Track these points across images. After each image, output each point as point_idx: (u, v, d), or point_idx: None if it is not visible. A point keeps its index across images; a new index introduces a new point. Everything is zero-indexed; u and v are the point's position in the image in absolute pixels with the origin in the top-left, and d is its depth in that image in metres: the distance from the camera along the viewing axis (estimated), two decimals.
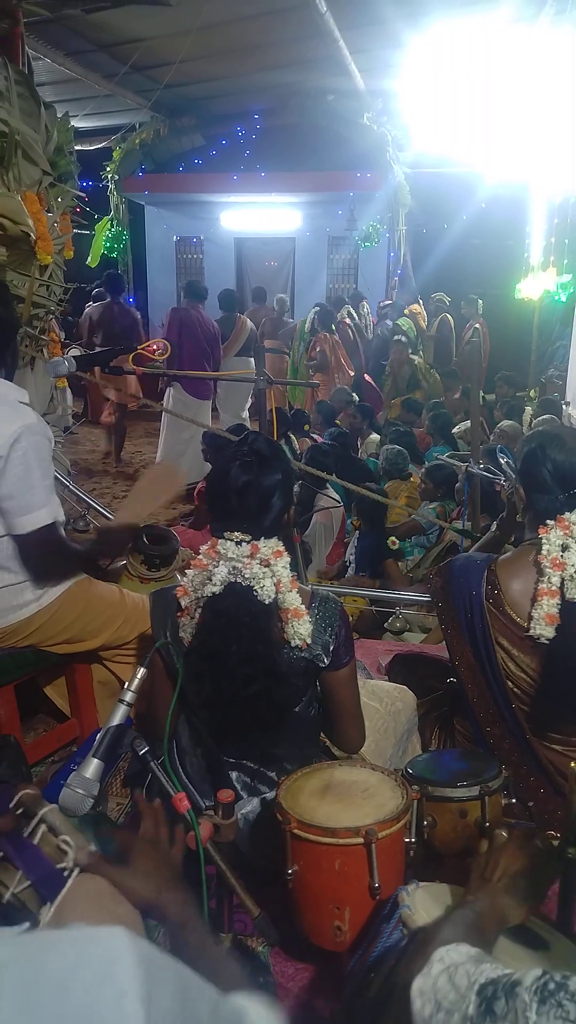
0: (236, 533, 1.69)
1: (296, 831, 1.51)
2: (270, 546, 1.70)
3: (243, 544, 1.68)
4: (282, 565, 1.70)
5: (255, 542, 1.68)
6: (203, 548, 1.74)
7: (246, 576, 1.67)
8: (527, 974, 0.86)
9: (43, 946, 0.65)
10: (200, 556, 1.73)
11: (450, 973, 0.95)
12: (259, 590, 1.67)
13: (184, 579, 1.75)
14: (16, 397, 2.18)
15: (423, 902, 1.38)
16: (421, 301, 10.85)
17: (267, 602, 1.68)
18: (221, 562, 1.69)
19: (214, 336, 7.03)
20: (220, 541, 1.70)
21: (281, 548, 1.72)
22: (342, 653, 1.79)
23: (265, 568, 1.68)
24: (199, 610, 1.73)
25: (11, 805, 1.14)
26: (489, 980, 0.90)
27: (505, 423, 6.47)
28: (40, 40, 6.77)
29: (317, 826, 1.50)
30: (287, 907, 1.59)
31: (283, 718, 1.71)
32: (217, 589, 1.67)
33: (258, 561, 1.68)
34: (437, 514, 4.78)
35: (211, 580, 1.68)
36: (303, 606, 1.73)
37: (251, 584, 1.67)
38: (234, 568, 1.68)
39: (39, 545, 2.14)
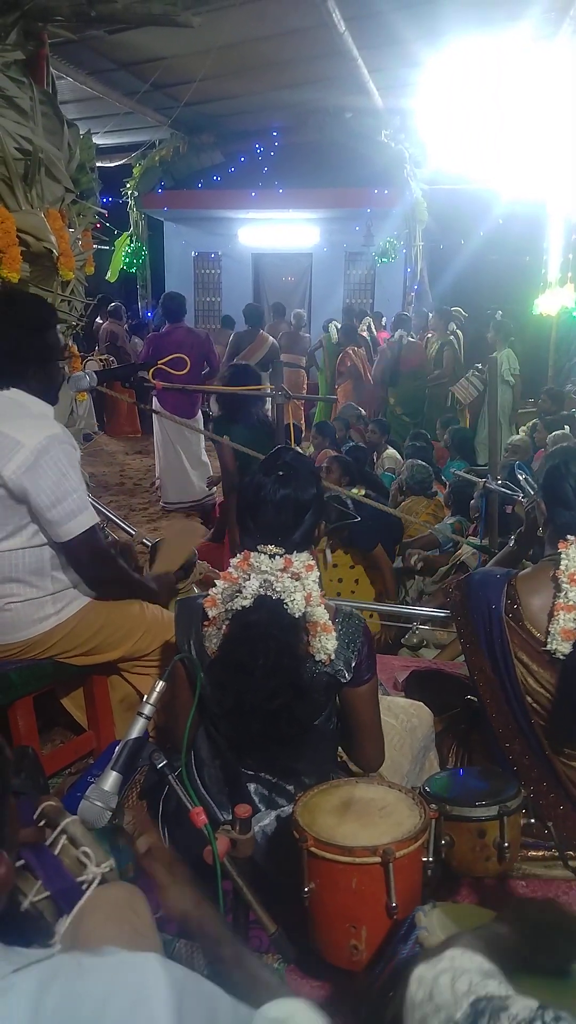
0: (270, 546, 1.69)
1: (313, 849, 1.51)
2: (302, 560, 1.70)
3: (276, 557, 1.68)
4: (312, 579, 1.71)
5: (288, 556, 1.69)
6: (234, 561, 1.74)
7: (277, 589, 1.67)
8: (518, 1002, 0.85)
9: (80, 971, 0.66)
10: (230, 569, 1.74)
11: (454, 975, 0.94)
12: (289, 603, 1.67)
13: (213, 590, 1.76)
14: (41, 410, 2.23)
15: (441, 923, 1.37)
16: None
17: (297, 616, 1.68)
18: (253, 575, 1.69)
19: (201, 352, 6.45)
20: (253, 554, 1.70)
21: (312, 562, 1.73)
22: (364, 670, 1.79)
23: (296, 582, 1.69)
24: (226, 622, 1.73)
25: (35, 816, 1.14)
26: (486, 995, 0.89)
27: (516, 438, 6.45)
28: (63, 60, 6.90)
29: (334, 844, 1.49)
30: (303, 924, 1.58)
31: (304, 732, 1.71)
32: (247, 602, 1.67)
33: (289, 575, 1.68)
34: (453, 529, 4.76)
35: (241, 593, 1.68)
36: (330, 621, 1.73)
37: (282, 597, 1.67)
38: (265, 581, 1.68)
39: (85, 549, 2.18)
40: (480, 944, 1.10)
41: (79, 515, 2.14)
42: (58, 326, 2.36)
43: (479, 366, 7.73)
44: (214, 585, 1.78)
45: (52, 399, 2.32)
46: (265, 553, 1.69)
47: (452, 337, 8.80)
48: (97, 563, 2.26)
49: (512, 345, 7.90)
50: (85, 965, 0.68)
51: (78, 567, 2.24)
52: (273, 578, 1.68)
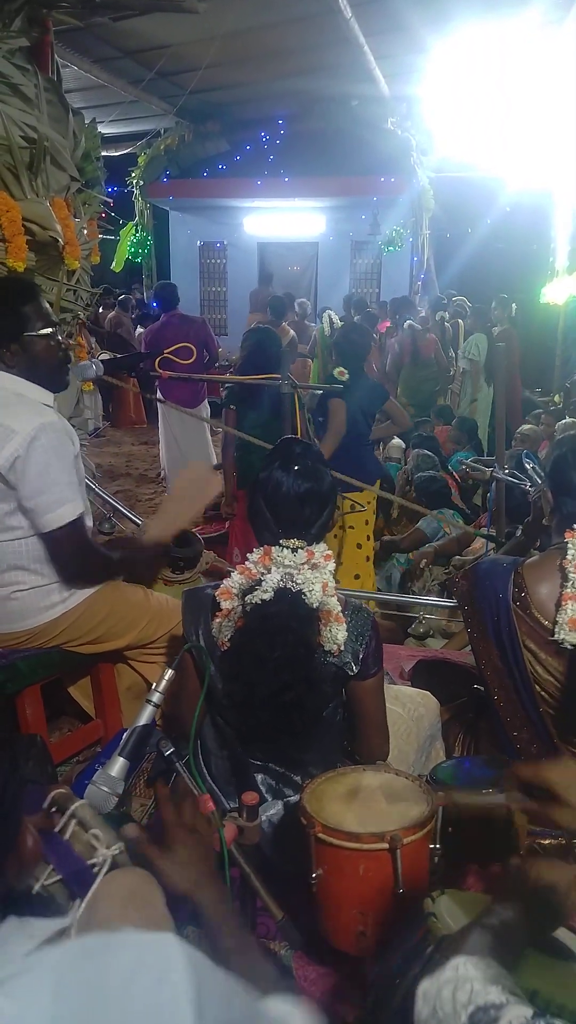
0: (293, 540, 1.69)
1: (320, 835, 1.51)
2: (321, 551, 1.71)
3: (299, 551, 1.68)
4: (329, 568, 1.71)
5: (309, 548, 1.69)
6: (253, 557, 1.73)
7: (298, 581, 1.67)
8: (510, 1010, 0.85)
9: (105, 948, 0.68)
10: (248, 564, 1.72)
11: (456, 986, 0.94)
12: (308, 594, 1.66)
13: (228, 582, 1.75)
14: (39, 398, 2.20)
15: (448, 909, 1.37)
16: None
17: (314, 606, 1.68)
18: (275, 569, 1.68)
19: (198, 338, 6.24)
20: (275, 549, 1.70)
21: (329, 552, 1.73)
22: (371, 663, 1.79)
23: (315, 572, 1.69)
24: (240, 616, 1.72)
25: (46, 805, 1.15)
26: (485, 1005, 0.89)
27: (525, 427, 6.43)
28: (68, 48, 6.86)
29: (342, 831, 1.49)
30: (310, 911, 1.59)
31: (312, 723, 1.71)
32: (268, 596, 1.66)
33: (309, 566, 1.68)
34: (438, 521, 4.77)
35: (260, 586, 1.67)
36: (341, 612, 1.73)
37: (301, 589, 1.67)
38: (287, 574, 1.67)
39: (66, 541, 2.15)
40: (488, 938, 1.09)
41: (61, 507, 2.11)
42: (42, 300, 2.26)
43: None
44: (225, 576, 1.77)
45: (50, 383, 2.27)
46: (288, 547, 1.69)
47: (449, 326, 8.78)
48: (79, 558, 2.21)
49: (486, 330, 7.86)
50: (110, 942, 0.69)
51: (58, 560, 2.19)
52: (295, 571, 1.67)
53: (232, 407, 4.40)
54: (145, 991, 0.62)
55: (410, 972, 1.30)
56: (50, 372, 2.26)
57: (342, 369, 4.17)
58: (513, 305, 8.31)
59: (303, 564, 1.68)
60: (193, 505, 2.64)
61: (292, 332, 8.04)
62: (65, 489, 2.13)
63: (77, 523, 2.17)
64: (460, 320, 9.00)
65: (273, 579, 1.67)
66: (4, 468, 2.06)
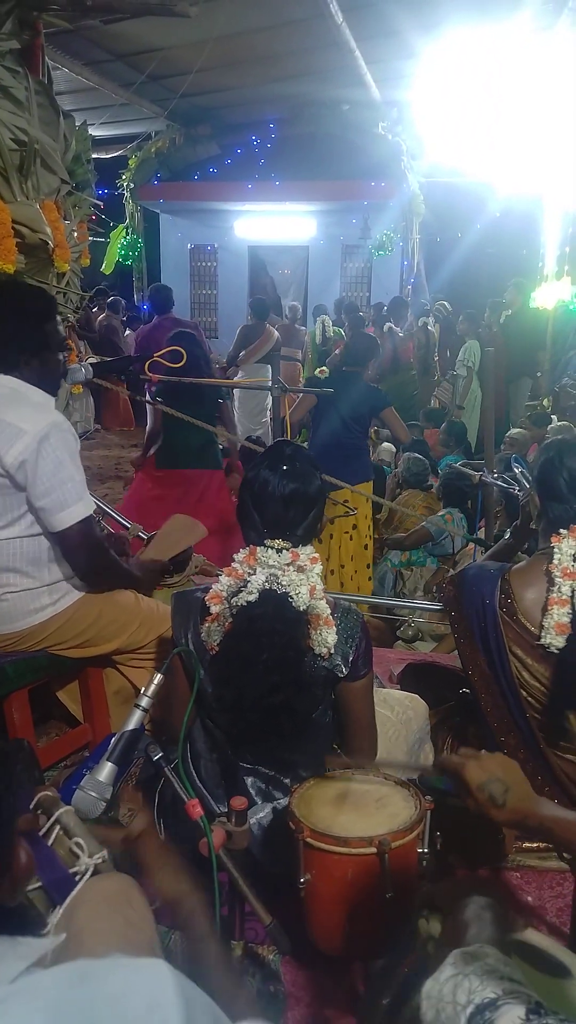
0: (277, 540, 1.70)
1: (309, 840, 1.51)
2: (307, 552, 1.71)
3: (284, 552, 1.69)
4: (316, 572, 1.72)
5: (295, 549, 1.69)
6: (239, 556, 1.74)
7: (283, 583, 1.67)
8: (506, 1012, 0.85)
9: (95, 973, 0.68)
10: (235, 564, 1.73)
11: (456, 982, 0.94)
12: (295, 596, 1.67)
13: (217, 586, 1.76)
14: (42, 400, 2.23)
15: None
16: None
17: (301, 609, 1.68)
18: (259, 569, 1.69)
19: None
20: (260, 549, 1.71)
21: (316, 555, 1.73)
22: (360, 665, 1.80)
23: (301, 575, 1.69)
24: (229, 619, 1.73)
25: (31, 806, 1.15)
26: (482, 1004, 0.89)
27: (514, 431, 6.46)
28: (59, 50, 6.85)
29: (330, 835, 1.49)
30: (299, 915, 1.59)
31: (302, 726, 1.71)
32: (253, 597, 1.67)
33: (295, 568, 1.68)
34: (445, 521, 4.77)
35: (246, 588, 1.67)
36: (331, 615, 1.74)
37: (287, 591, 1.67)
38: (272, 575, 1.68)
39: (79, 539, 2.17)
40: (484, 925, 1.08)
41: (74, 504, 2.13)
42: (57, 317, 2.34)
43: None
44: (214, 579, 1.77)
45: (52, 390, 2.31)
46: (272, 548, 1.70)
47: (433, 330, 8.81)
48: (92, 554, 2.24)
49: (479, 336, 7.90)
50: (99, 968, 0.69)
51: (71, 557, 2.22)
52: (280, 572, 1.68)
53: (159, 399, 4.50)
54: (136, 1017, 0.62)
55: (398, 974, 1.30)
56: (52, 381, 2.33)
57: (323, 368, 4.25)
58: (503, 313, 8.37)
59: (287, 565, 1.68)
60: (181, 543, 2.76)
61: (277, 334, 8.05)
62: (77, 487, 2.15)
63: (88, 521, 2.18)
64: (438, 324, 9.05)
65: (258, 580, 1.67)
66: (12, 467, 2.07)
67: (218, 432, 4.40)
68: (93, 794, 1.43)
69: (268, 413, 7.89)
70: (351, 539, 4.49)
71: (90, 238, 3.71)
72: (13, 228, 2.91)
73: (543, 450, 2.14)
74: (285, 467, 1.73)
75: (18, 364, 2.20)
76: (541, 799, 1.25)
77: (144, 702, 1.54)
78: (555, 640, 1.88)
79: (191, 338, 4.67)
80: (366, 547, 4.55)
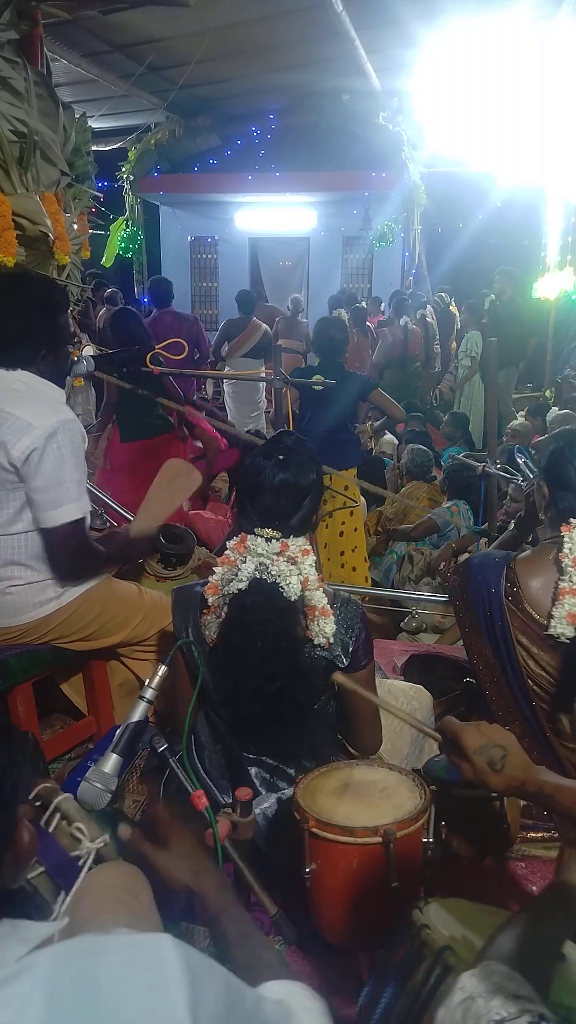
0: (267, 530, 1.70)
1: (314, 830, 1.51)
2: (298, 544, 1.71)
3: (272, 541, 1.69)
4: (309, 564, 1.71)
5: (284, 540, 1.69)
6: (231, 544, 1.74)
7: (272, 573, 1.68)
8: None
9: (98, 950, 0.67)
10: (228, 552, 1.74)
11: (465, 1007, 0.94)
12: (285, 587, 1.67)
13: (213, 576, 1.76)
14: (55, 396, 2.23)
15: (439, 917, 1.36)
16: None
17: (292, 599, 1.68)
18: (249, 557, 1.69)
19: (190, 335, 6.39)
20: (249, 537, 1.71)
21: (308, 547, 1.73)
22: (361, 655, 1.80)
23: (292, 566, 1.69)
24: (225, 608, 1.73)
25: (31, 797, 1.15)
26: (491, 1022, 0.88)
27: (517, 422, 6.45)
28: (57, 41, 6.80)
29: (335, 825, 1.49)
30: (304, 905, 1.59)
31: (304, 715, 1.72)
32: (243, 585, 1.68)
33: (285, 559, 1.68)
34: (452, 513, 4.76)
35: (237, 576, 1.68)
36: (328, 605, 1.73)
37: (277, 581, 1.67)
38: (261, 564, 1.68)
39: (66, 539, 2.16)
40: (509, 944, 1.06)
41: (67, 504, 2.12)
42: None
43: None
44: (213, 572, 1.78)
45: (61, 383, 2.32)
46: (262, 536, 1.70)
47: (431, 320, 8.79)
48: (75, 556, 2.21)
49: (485, 327, 7.87)
50: (101, 944, 0.68)
51: (54, 554, 2.19)
52: (269, 561, 1.68)
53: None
54: (139, 993, 0.61)
55: (393, 978, 1.28)
56: (62, 376, 2.33)
57: (319, 376, 4.23)
58: (487, 300, 8.34)
59: (276, 555, 1.68)
60: (175, 498, 2.65)
61: (264, 326, 8.02)
62: (73, 488, 2.14)
63: (79, 524, 2.17)
64: (435, 315, 9.03)
65: (248, 568, 1.68)
66: (19, 460, 2.07)
67: (163, 403, 4.51)
68: (98, 785, 1.43)
69: (261, 406, 7.88)
70: (355, 529, 4.47)
71: (90, 230, 3.69)
72: (13, 220, 2.90)
73: (552, 439, 2.13)
74: (281, 457, 1.73)
75: (34, 359, 2.20)
76: (540, 767, 1.25)
77: (148, 694, 1.54)
78: (565, 630, 1.87)
79: (131, 315, 4.85)
80: (356, 529, 4.53)
